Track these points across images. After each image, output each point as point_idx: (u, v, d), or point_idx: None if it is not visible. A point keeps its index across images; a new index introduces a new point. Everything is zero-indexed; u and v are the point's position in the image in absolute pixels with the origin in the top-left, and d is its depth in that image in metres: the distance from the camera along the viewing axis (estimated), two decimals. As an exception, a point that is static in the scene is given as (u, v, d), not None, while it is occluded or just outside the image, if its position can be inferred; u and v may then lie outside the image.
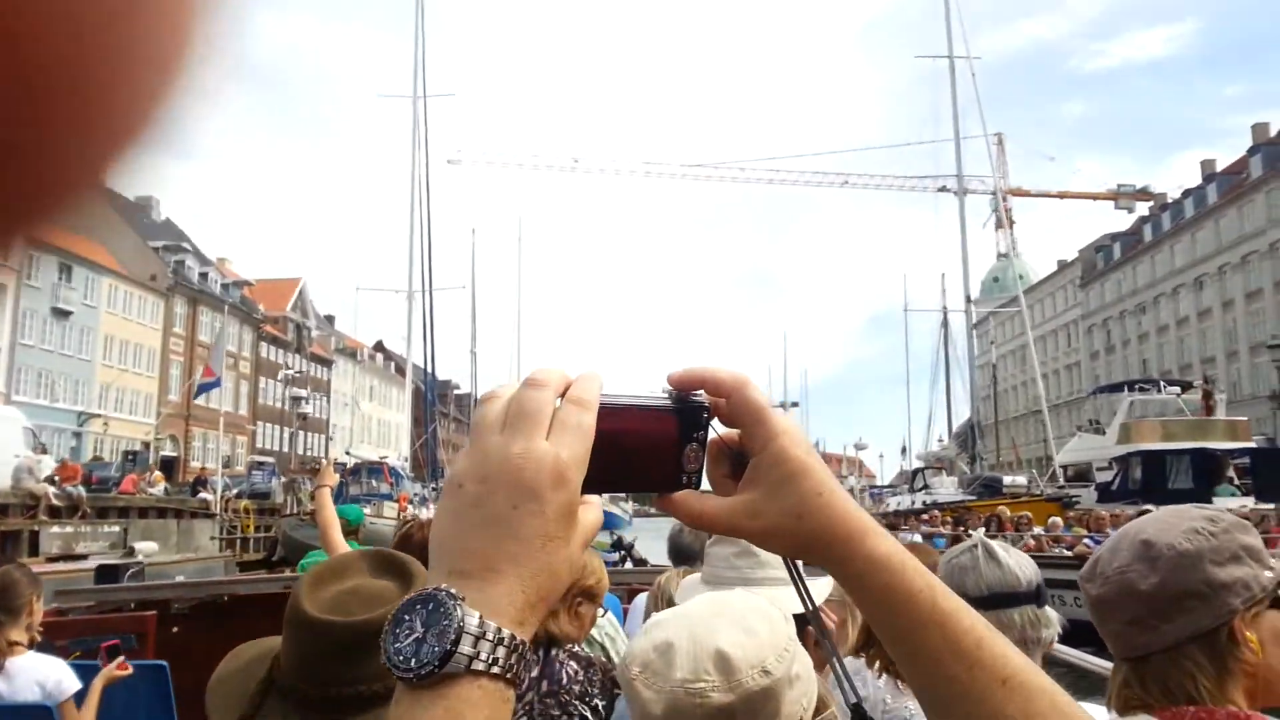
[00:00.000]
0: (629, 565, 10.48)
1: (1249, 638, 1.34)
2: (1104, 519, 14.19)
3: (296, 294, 72.08)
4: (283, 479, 34.13)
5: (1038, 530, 15.49)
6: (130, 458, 31.81)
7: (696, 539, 3.31)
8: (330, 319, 79.05)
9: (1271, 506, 18.58)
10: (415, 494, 34.77)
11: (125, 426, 50.85)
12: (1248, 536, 1.39)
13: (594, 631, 2.88)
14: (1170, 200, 70.30)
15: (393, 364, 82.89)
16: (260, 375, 64.87)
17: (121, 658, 4.09)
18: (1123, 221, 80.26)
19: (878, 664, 2.33)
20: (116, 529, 24.21)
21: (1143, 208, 78.86)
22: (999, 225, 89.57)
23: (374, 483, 33.70)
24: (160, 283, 54.73)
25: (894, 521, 20.33)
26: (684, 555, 3.71)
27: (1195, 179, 67.19)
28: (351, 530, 6.19)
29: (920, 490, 35.58)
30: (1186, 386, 30.82)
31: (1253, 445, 27.05)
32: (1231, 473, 25.33)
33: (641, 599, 3.84)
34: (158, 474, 31.92)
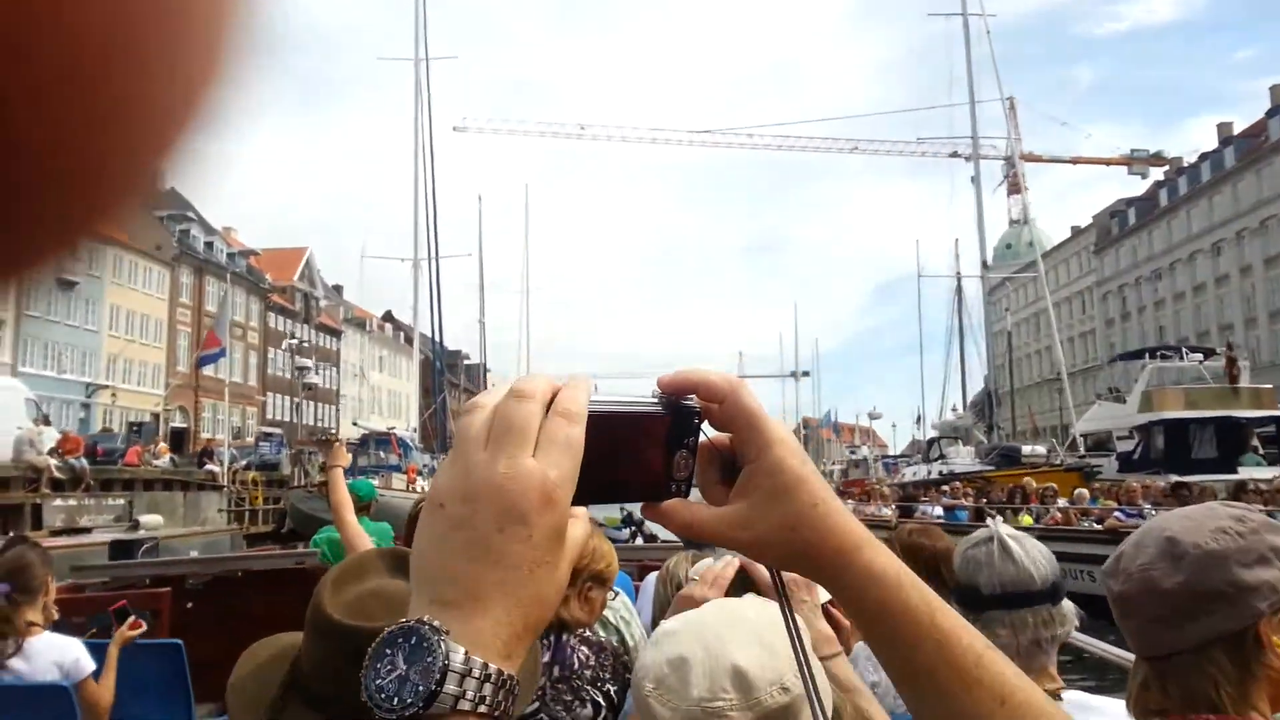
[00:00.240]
0: (639, 541, 10.22)
1: (1275, 642, 1.32)
2: (1135, 490, 13.67)
3: (303, 263, 71.64)
4: (290, 450, 33.88)
5: (1063, 502, 15.02)
6: (135, 429, 31.39)
7: None
8: (338, 289, 78.66)
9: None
10: (424, 465, 34.48)
11: (134, 398, 50.61)
12: (1277, 538, 1.35)
13: (609, 614, 2.81)
14: (1186, 164, 69.21)
15: (402, 334, 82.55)
16: (269, 346, 64.52)
17: (132, 617, 4.11)
18: (1137, 187, 79.30)
19: None
20: (121, 502, 23.79)
21: (1156, 173, 77.83)
22: (1011, 191, 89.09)
23: (382, 454, 33.41)
24: (165, 252, 54.23)
25: (913, 493, 19.84)
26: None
27: (1207, 144, 66.33)
28: (364, 506, 6.11)
29: (936, 460, 35.04)
30: (1209, 353, 30.17)
31: (1277, 413, 26.50)
32: (1256, 442, 24.87)
33: (652, 578, 3.64)
34: (163, 445, 31.50)
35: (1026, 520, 14.99)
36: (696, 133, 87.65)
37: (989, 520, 2.25)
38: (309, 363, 44.30)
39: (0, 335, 35.59)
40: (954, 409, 46.79)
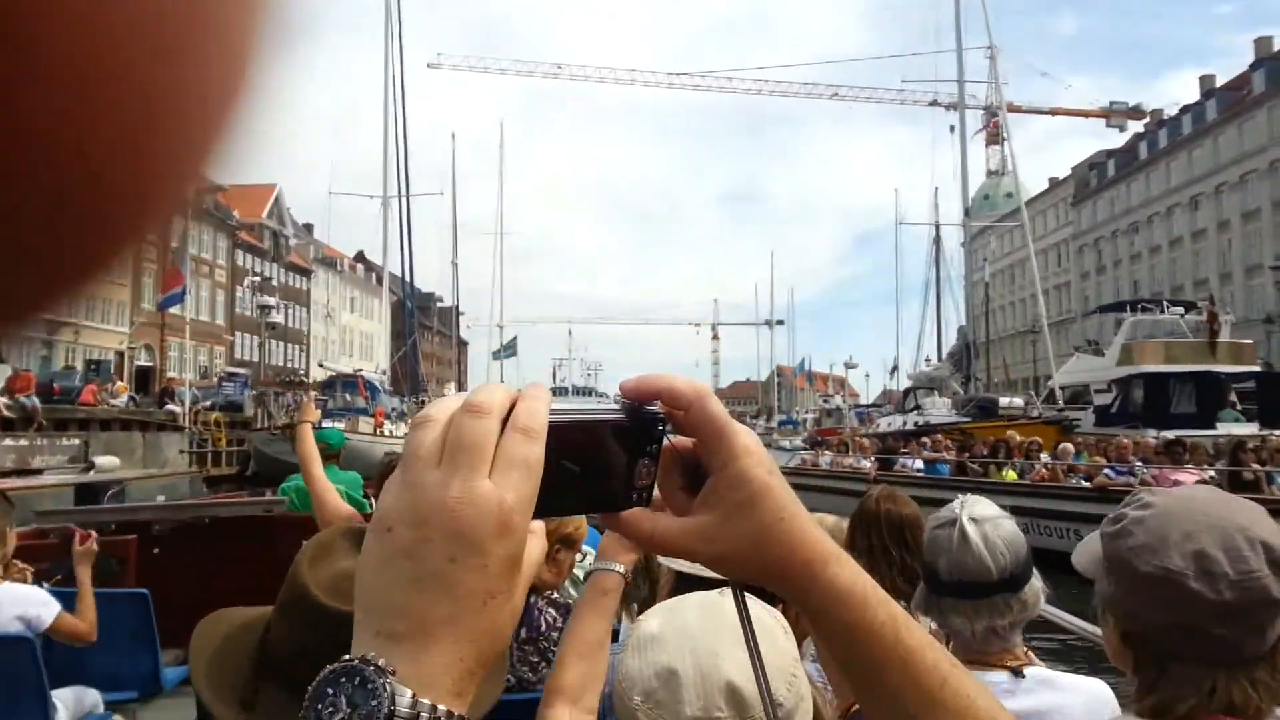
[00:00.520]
0: None
1: None
2: (1125, 447, 13.16)
3: (272, 200, 70.09)
4: (254, 392, 33.15)
5: (1048, 458, 14.60)
6: (93, 367, 30.39)
7: None
8: (309, 227, 77.21)
9: (1268, 432, 17.90)
10: (392, 409, 33.90)
11: (98, 335, 49.47)
12: None
13: (578, 572, 2.89)
14: (1168, 117, 68.77)
15: (374, 275, 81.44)
16: (236, 284, 63.28)
17: (79, 532, 4.13)
18: (1115, 140, 79.00)
19: None
20: (76, 442, 22.87)
21: (1135, 126, 77.51)
22: (990, 142, 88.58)
23: (348, 397, 32.80)
24: (129, 186, 52.73)
25: (892, 445, 19.34)
26: None
27: (1185, 97, 65.86)
28: (333, 454, 6.09)
29: (912, 411, 34.81)
30: (1190, 307, 29.89)
31: (1257, 369, 26.32)
32: (1234, 397, 24.67)
33: None
34: (120, 384, 30.52)
35: (1010, 476, 14.59)
36: (675, 75, 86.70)
37: (958, 499, 2.17)
38: (272, 301, 43.38)
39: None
40: (927, 360, 46.69)
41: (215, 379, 39.61)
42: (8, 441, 20.53)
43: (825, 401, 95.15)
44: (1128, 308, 30.20)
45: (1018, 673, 1.98)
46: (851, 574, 0.67)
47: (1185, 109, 64.78)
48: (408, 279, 43.31)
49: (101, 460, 22.09)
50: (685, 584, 1.84)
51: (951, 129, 50.39)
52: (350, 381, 34.43)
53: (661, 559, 2.24)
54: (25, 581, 3.80)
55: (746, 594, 1.12)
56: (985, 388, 38.07)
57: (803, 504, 0.68)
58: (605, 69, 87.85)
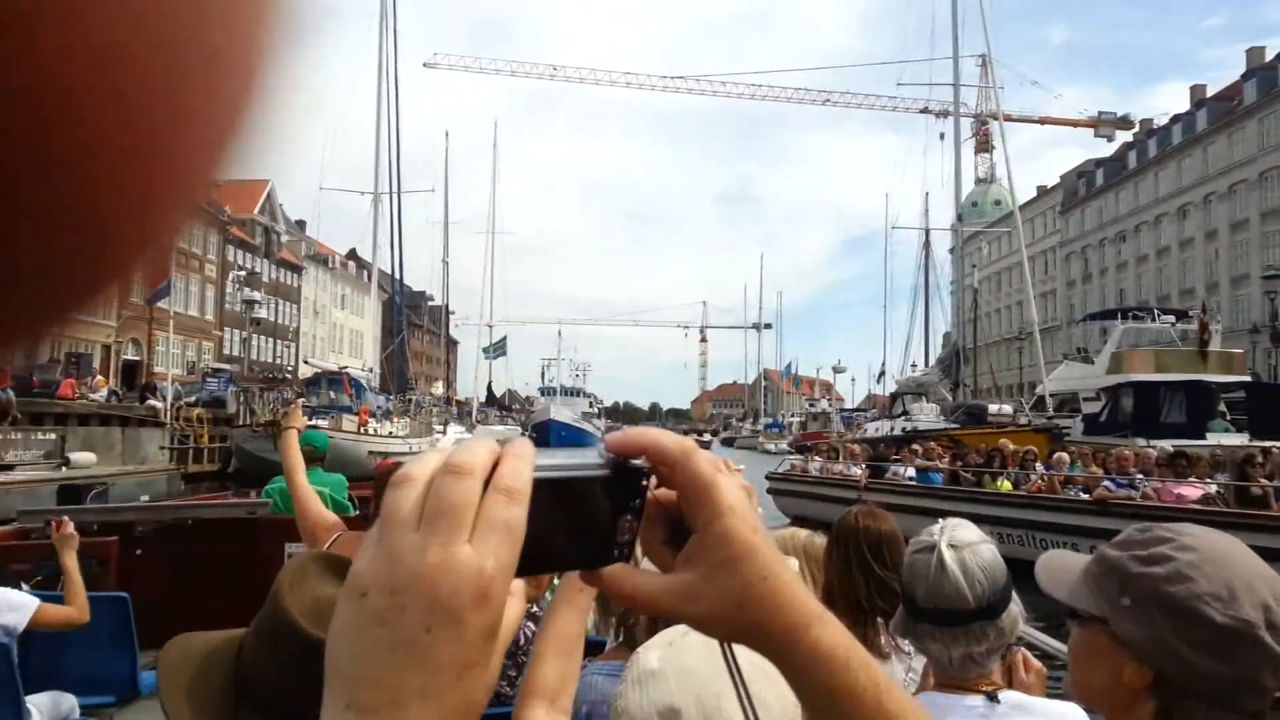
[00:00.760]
0: None
1: None
2: (1126, 458, 12.92)
3: (264, 196, 69.59)
4: (236, 388, 32.74)
5: (1043, 468, 14.32)
6: (73, 360, 29.90)
7: None
8: (301, 224, 76.73)
9: (1270, 444, 17.81)
10: (378, 407, 33.58)
11: (84, 328, 48.97)
12: None
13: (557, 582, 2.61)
14: (1158, 126, 68.96)
15: (365, 272, 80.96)
16: (226, 280, 62.76)
17: (56, 520, 4.13)
18: (1103, 150, 79.29)
19: None
20: (52, 437, 22.41)
21: (1122, 137, 77.86)
22: (979, 149, 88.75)
23: (333, 394, 32.46)
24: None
25: (883, 452, 19.11)
26: None
27: (1172, 109, 66.08)
28: (317, 457, 6.06)
29: (900, 416, 34.68)
30: (1181, 315, 29.86)
31: (1247, 379, 26.29)
32: (1223, 407, 24.64)
33: None
34: (100, 378, 30.04)
35: (1005, 486, 14.39)
36: (670, 78, 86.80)
37: (939, 524, 2.16)
38: (258, 296, 43.06)
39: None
40: (913, 365, 46.66)
41: (200, 374, 39.15)
42: (-22, 435, 20.16)
43: (811, 405, 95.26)
44: (1118, 315, 30.15)
45: (993, 697, 1.97)
46: (834, 636, 0.66)
47: (1176, 118, 65.00)
48: (398, 276, 43.04)
49: (77, 456, 21.70)
50: None
51: (942, 136, 50.56)
52: (335, 379, 34.09)
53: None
54: None
55: None
56: (973, 394, 37.99)
57: (786, 561, 0.67)
58: (600, 71, 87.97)
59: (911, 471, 16.34)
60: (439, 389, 69.01)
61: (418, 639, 0.50)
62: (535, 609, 2.63)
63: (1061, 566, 1.45)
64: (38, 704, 3.81)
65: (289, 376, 39.39)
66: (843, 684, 0.65)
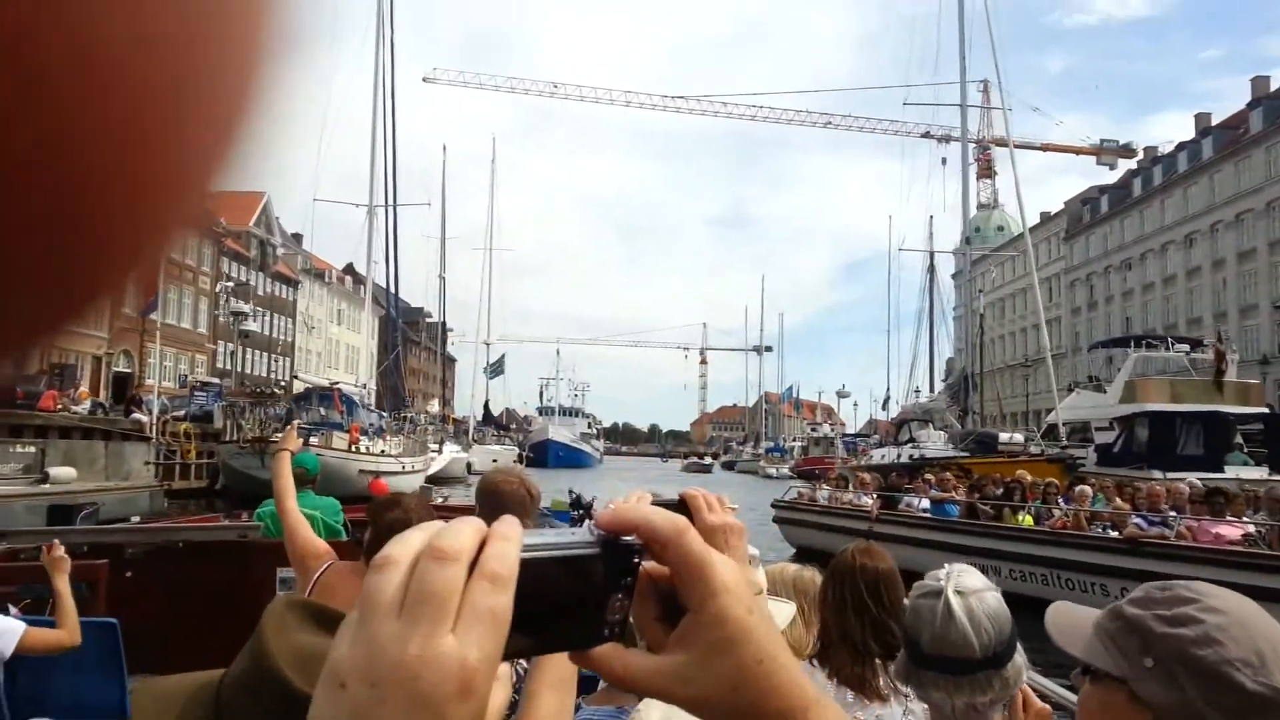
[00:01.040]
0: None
1: None
2: (1158, 494, 12.10)
3: (260, 209, 69.01)
4: (223, 403, 31.96)
5: (1065, 501, 13.49)
6: (57, 371, 29.11)
7: None
8: (298, 237, 76.17)
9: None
10: (369, 424, 32.83)
11: (74, 339, 47.82)
12: None
13: None
14: (1162, 154, 68.52)
15: (361, 287, 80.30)
16: (233, 296, 61.99)
17: (47, 544, 4.09)
18: (1104, 177, 78.98)
19: (829, 669, 2.60)
20: (32, 450, 21.69)
21: (1124, 165, 77.56)
22: (981, 175, 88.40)
23: (324, 411, 31.70)
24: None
25: (895, 482, 18.27)
26: None
27: (1171, 137, 65.70)
28: (309, 480, 6.03)
29: (906, 443, 33.80)
30: (1196, 344, 29.10)
31: (1265, 410, 25.51)
32: (1239, 439, 23.88)
33: None
34: (83, 390, 29.18)
35: (1027, 521, 13.50)
36: (670, 98, 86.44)
37: (945, 569, 2.10)
38: (247, 307, 42.36)
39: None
40: (916, 390, 45.95)
41: (188, 388, 38.37)
42: (-45, 449, 19.36)
43: (813, 430, 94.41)
44: (1130, 343, 29.40)
45: None
46: None
47: (1181, 146, 64.53)
48: (393, 291, 42.39)
49: (56, 471, 20.91)
50: None
51: (944, 161, 50.32)
52: (326, 395, 33.30)
53: None
54: None
55: None
56: (981, 421, 37.18)
57: (785, 645, 0.66)
58: (600, 89, 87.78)
59: (926, 503, 15.42)
60: (434, 407, 68.26)
61: None
62: None
63: (1072, 619, 1.42)
64: None
65: (277, 391, 38.62)
66: None
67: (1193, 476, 14.68)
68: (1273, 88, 56.72)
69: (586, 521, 0.62)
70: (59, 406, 25.49)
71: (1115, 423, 25.35)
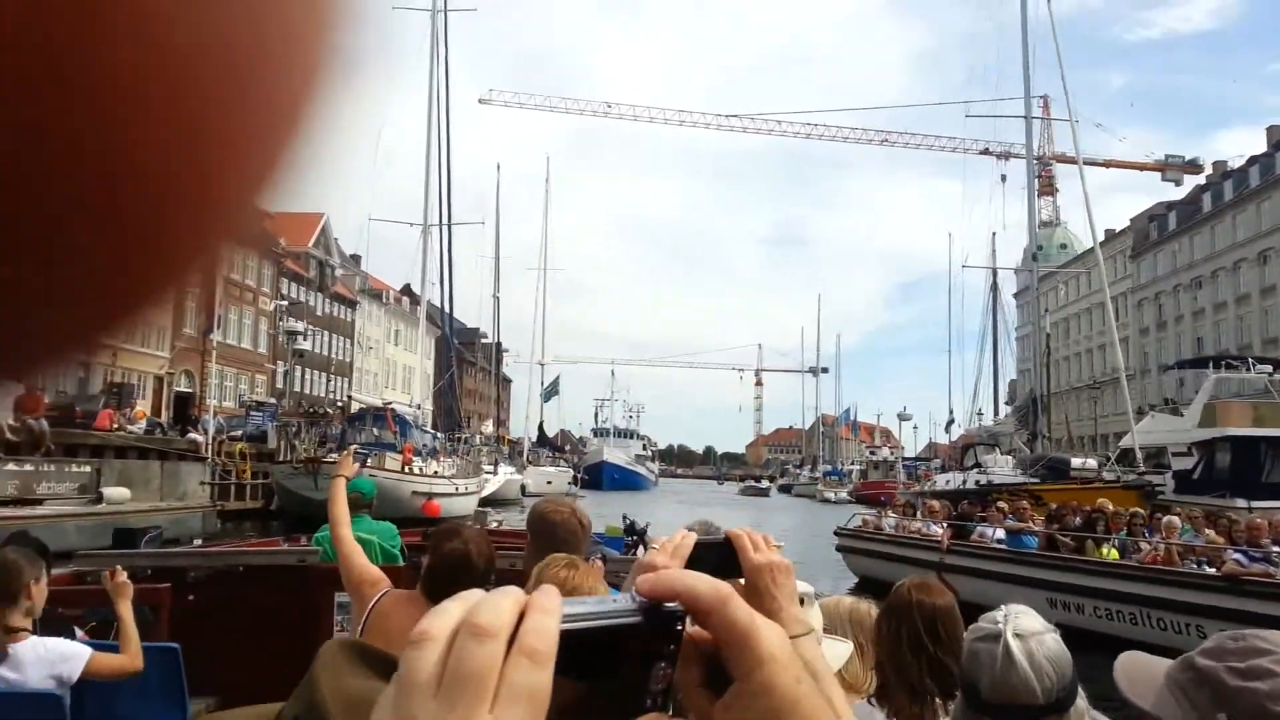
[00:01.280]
0: (640, 554, 8.51)
1: None
2: (1259, 528, 11.21)
3: (319, 230, 69.74)
4: (276, 423, 31.94)
5: (1145, 532, 12.56)
6: (114, 390, 29.20)
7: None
8: (356, 258, 76.90)
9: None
10: (423, 445, 32.56)
11: (136, 359, 48.74)
12: None
13: None
14: (1232, 168, 66.47)
15: (418, 307, 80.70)
16: (287, 315, 62.53)
17: (109, 569, 4.16)
18: (1168, 194, 76.84)
19: (889, 708, 2.48)
20: (87, 470, 21.52)
21: (1190, 181, 75.42)
22: (1042, 193, 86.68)
23: (377, 431, 31.55)
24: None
25: (967, 510, 17.27)
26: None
27: (1236, 152, 63.72)
28: (365, 504, 6.24)
29: (972, 468, 32.65)
30: (1279, 365, 27.78)
31: (1357, 436, 24.21)
32: (1328, 467, 22.64)
33: None
34: (140, 409, 29.27)
35: (1112, 555, 12.59)
36: (724, 116, 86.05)
37: (1002, 610, 2.01)
38: (301, 326, 42.57)
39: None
40: (979, 413, 44.76)
41: (244, 408, 38.53)
42: (10, 466, 19.24)
43: (872, 454, 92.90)
44: (1209, 364, 28.14)
45: None
46: None
47: (1253, 160, 62.50)
48: (447, 310, 42.35)
49: (110, 491, 20.81)
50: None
51: (1003, 178, 49.53)
52: (379, 415, 33.15)
53: None
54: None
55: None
56: (1052, 446, 35.94)
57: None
58: (655, 109, 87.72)
59: (1000, 533, 14.56)
60: (489, 428, 68.21)
61: None
62: None
63: (1144, 671, 1.39)
64: None
65: (330, 412, 38.63)
66: None
67: (1239, 501, 13.76)
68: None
69: (630, 589, 0.61)
70: (115, 426, 25.55)
71: (1194, 448, 24.26)
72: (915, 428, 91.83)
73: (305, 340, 45.72)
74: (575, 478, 70.36)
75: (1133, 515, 13.30)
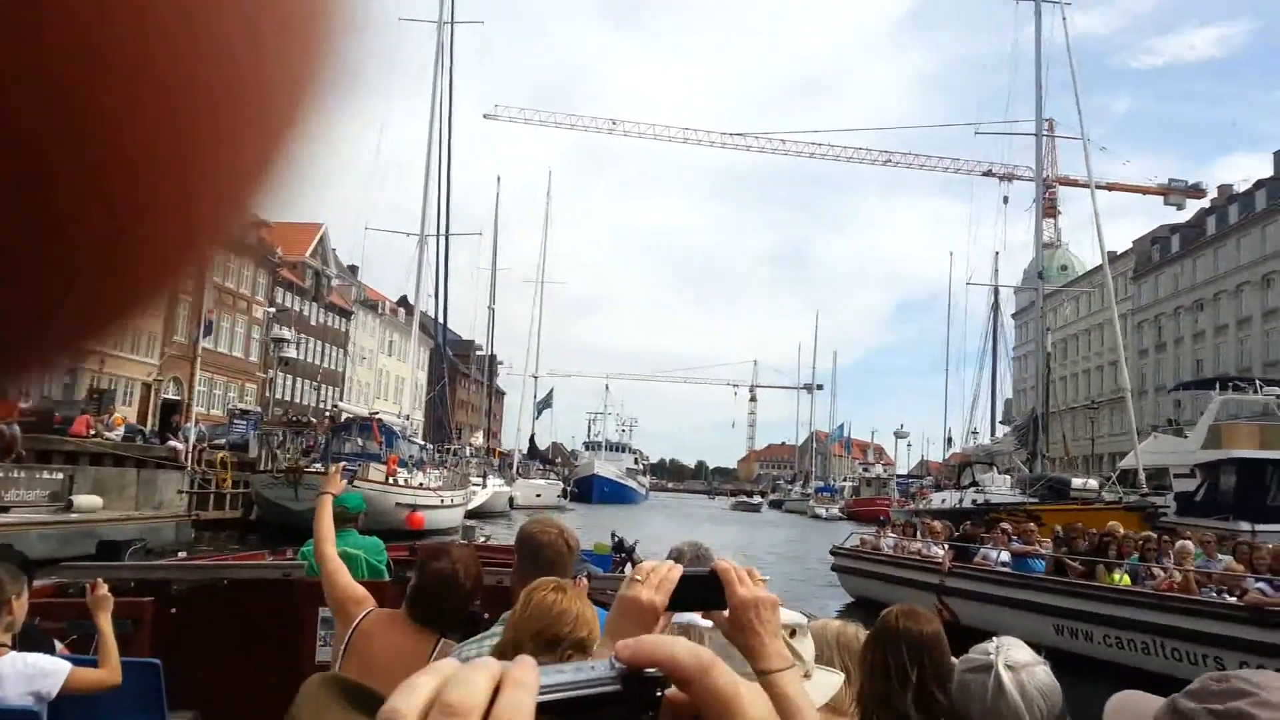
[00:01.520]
0: (629, 570, 7.96)
1: None
2: (1282, 555, 10.65)
3: (317, 240, 69.28)
4: (257, 432, 31.30)
5: (1164, 561, 11.84)
6: (94, 396, 28.51)
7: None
8: (354, 269, 76.45)
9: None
10: (409, 455, 31.94)
11: (125, 365, 48.09)
12: None
13: None
14: (1237, 192, 66.19)
15: (411, 317, 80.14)
16: (274, 322, 61.97)
17: (91, 582, 4.21)
18: (1170, 218, 76.75)
19: None
20: (59, 477, 20.83)
21: (1193, 205, 75.32)
22: (1046, 214, 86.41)
23: (362, 441, 30.92)
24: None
25: (970, 531, 16.49)
26: None
27: (1239, 178, 63.47)
28: (351, 518, 6.21)
29: (969, 487, 32.03)
30: (1287, 387, 27.21)
31: (1365, 460, 23.63)
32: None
33: None
34: (118, 416, 28.51)
35: (1125, 581, 11.96)
36: (728, 135, 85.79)
37: (993, 642, 2.08)
38: (287, 334, 41.99)
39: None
40: (974, 431, 44.32)
41: (226, 416, 37.86)
42: (-21, 472, 18.62)
43: (865, 470, 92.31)
44: (1215, 385, 27.56)
45: None
46: None
47: (1259, 184, 62.19)
48: (442, 320, 41.83)
49: (81, 499, 20.13)
50: None
51: (1005, 200, 49.77)
52: (366, 425, 32.50)
53: None
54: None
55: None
56: (1051, 465, 35.33)
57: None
58: (659, 126, 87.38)
59: (1005, 556, 13.86)
60: (479, 439, 67.57)
61: None
62: None
63: (1135, 712, 1.38)
64: None
65: (314, 421, 38.00)
66: None
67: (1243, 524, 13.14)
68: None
69: (609, 657, 0.59)
70: (92, 432, 24.83)
71: (1197, 469, 23.68)
72: (909, 445, 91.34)
73: (292, 348, 45.11)
74: (565, 491, 69.72)
75: (1145, 539, 12.62)
